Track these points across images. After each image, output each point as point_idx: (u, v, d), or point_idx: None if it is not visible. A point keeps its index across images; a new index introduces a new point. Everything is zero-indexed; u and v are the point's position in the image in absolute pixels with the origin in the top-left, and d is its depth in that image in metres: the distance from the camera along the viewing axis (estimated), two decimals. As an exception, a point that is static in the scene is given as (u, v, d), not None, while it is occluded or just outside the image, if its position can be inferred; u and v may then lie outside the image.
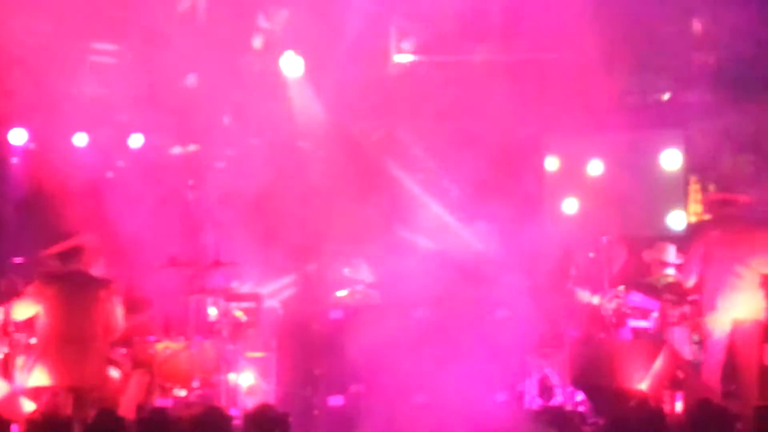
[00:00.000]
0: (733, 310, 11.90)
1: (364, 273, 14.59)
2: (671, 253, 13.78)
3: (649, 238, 14.80)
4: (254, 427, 8.32)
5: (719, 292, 11.95)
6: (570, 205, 16.54)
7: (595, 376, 11.99)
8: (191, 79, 15.64)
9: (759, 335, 12.02)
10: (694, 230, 12.60)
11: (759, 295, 11.98)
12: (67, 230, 11.19)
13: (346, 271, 14.52)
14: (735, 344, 11.95)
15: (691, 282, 12.33)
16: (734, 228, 12.14)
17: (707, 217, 14.94)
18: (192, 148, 15.93)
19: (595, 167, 16.45)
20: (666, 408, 11.36)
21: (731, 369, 12.06)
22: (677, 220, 16.12)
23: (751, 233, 12.14)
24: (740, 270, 11.94)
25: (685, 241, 13.09)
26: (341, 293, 14.50)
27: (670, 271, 13.66)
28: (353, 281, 14.60)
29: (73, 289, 10.81)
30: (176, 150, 15.86)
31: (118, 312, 10.93)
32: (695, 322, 12.50)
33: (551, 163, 16.94)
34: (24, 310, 10.75)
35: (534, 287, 14.34)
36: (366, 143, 17.16)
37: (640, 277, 14.09)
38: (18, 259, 12.31)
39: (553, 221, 16.42)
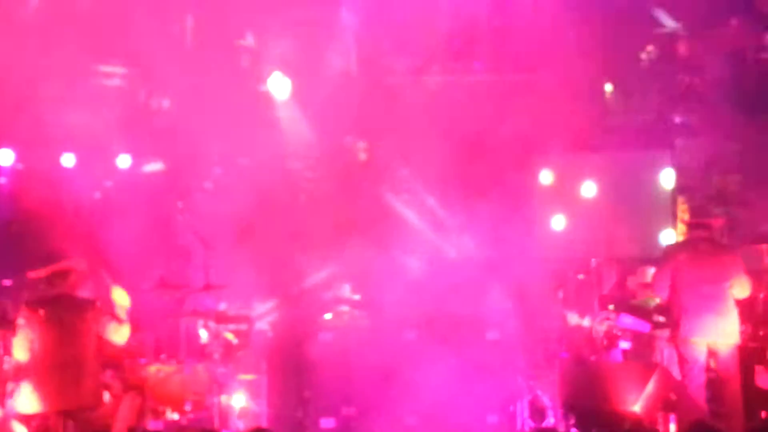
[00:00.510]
0: (708, 333, 11.88)
1: (348, 295, 14.53)
2: (650, 275, 13.76)
3: (639, 259, 14.78)
4: (251, 449, 8.28)
5: (692, 316, 11.92)
6: (559, 224, 16.47)
7: (587, 397, 11.99)
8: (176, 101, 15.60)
9: (737, 358, 12.02)
10: (663, 253, 12.53)
11: (732, 318, 11.97)
12: (55, 252, 11.05)
13: (330, 294, 14.46)
14: (715, 368, 11.94)
15: (662, 300, 12.35)
16: (702, 251, 12.12)
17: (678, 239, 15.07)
18: (157, 166, 15.85)
19: (586, 188, 16.41)
20: (660, 430, 11.37)
21: (715, 391, 12.06)
22: (667, 240, 16.05)
23: (719, 256, 12.14)
24: (711, 293, 11.93)
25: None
26: (327, 316, 14.43)
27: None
28: (338, 303, 14.52)
29: (61, 312, 10.70)
30: (149, 167, 15.76)
31: (111, 328, 10.82)
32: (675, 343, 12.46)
33: (544, 178, 16.91)
34: (22, 343, 10.63)
35: (524, 309, 14.32)
36: (354, 163, 17.16)
37: (627, 300, 14.12)
38: (6, 281, 12.20)
39: (543, 241, 16.37)
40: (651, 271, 13.76)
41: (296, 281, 15.44)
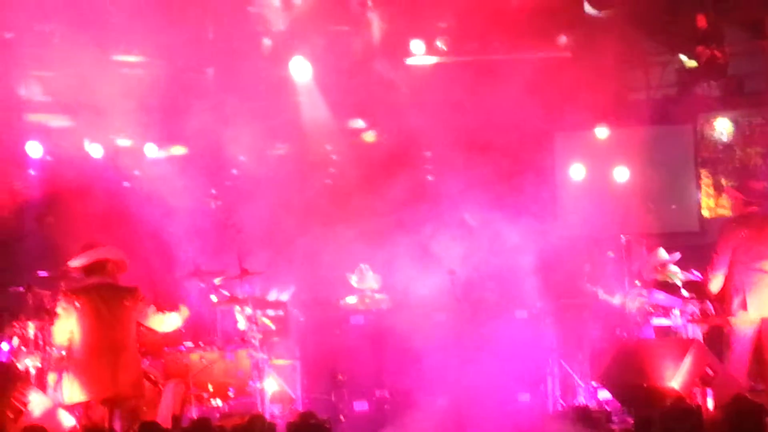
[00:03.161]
0: (762, 308, 11.92)
1: (370, 279, 14.56)
2: (663, 253, 13.74)
3: (667, 235, 14.79)
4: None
5: (747, 291, 11.96)
6: (586, 201, 16.49)
7: (623, 375, 11.98)
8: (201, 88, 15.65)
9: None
10: (721, 229, 12.48)
11: None
12: (91, 242, 11.11)
13: (353, 278, 14.49)
14: (762, 342, 11.97)
15: (717, 281, 12.31)
16: (759, 226, 12.14)
17: (730, 215, 15.01)
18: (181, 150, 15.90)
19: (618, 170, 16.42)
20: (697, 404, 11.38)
21: (756, 366, 12.10)
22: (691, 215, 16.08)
23: None
24: (765, 268, 11.96)
25: (698, 237, 13.01)
26: (351, 299, 14.47)
27: (674, 268, 13.62)
28: (360, 288, 14.57)
29: (101, 301, 10.75)
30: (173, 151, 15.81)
31: (153, 317, 10.89)
32: (719, 318, 12.46)
33: (574, 169, 16.95)
34: (63, 331, 10.70)
35: (552, 286, 14.37)
36: (377, 146, 17.21)
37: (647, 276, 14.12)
38: (42, 273, 12.24)
39: (569, 218, 16.41)
40: (659, 250, 13.74)
41: (322, 265, 15.49)
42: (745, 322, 11.95)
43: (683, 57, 17.54)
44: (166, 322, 10.99)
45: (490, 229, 14.64)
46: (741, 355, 11.95)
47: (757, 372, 12.09)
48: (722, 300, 12.28)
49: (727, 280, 12.15)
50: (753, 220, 12.20)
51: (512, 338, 13.22)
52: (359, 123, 17.29)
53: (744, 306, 11.93)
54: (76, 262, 11.04)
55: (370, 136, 17.28)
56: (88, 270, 10.98)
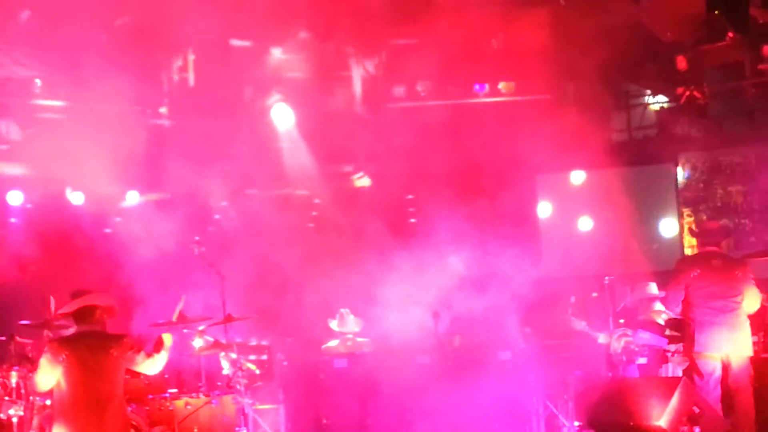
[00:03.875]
0: (722, 347, 11.93)
1: (351, 322, 14.55)
2: (653, 288, 13.79)
3: (650, 274, 14.83)
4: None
5: (705, 331, 11.97)
6: (569, 242, 16.57)
7: (609, 414, 11.90)
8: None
9: (750, 370, 12.04)
10: (676, 268, 12.55)
11: (745, 330, 12.02)
12: (79, 289, 11.02)
13: (334, 323, 14.50)
14: (728, 381, 11.97)
15: (675, 315, 12.38)
16: (714, 266, 12.17)
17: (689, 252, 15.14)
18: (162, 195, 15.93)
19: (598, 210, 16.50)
20: (686, 443, 11.38)
21: (728, 403, 12.09)
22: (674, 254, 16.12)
23: (731, 270, 12.11)
24: (724, 307, 11.99)
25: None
26: (332, 343, 14.45)
27: (659, 306, 13.66)
28: (342, 332, 14.56)
29: (87, 351, 10.53)
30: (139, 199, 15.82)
31: (142, 362, 10.78)
32: (685, 356, 12.47)
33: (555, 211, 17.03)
34: (47, 380, 10.53)
35: (535, 327, 14.39)
36: (357, 190, 17.28)
37: (631, 315, 14.15)
38: (25, 321, 12.18)
39: (552, 260, 16.47)
40: (651, 285, 13.81)
41: (304, 308, 15.48)
42: (707, 361, 11.93)
43: (650, 100, 17.79)
44: (156, 365, 10.86)
45: (473, 271, 14.65)
46: (711, 395, 11.90)
47: (728, 409, 12.04)
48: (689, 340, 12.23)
49: (688, 319, 12.16)
50: (707, 260, 12.22)
51: (496, 379, 13.19)
52: (342, 167, 17.31)
53: (702, 344, 11.93)
54: (65, 309, 10.92)
55: (364, 181, 17.30)
56: (77, 317, 10.82)
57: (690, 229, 15.22)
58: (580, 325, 13.84)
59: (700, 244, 12.73)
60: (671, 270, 12.75)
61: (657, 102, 18.14)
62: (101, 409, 10.37)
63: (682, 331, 12.28)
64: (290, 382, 13.93)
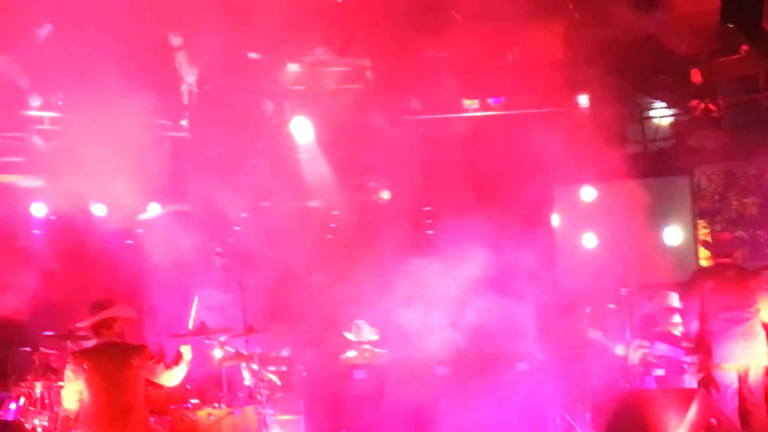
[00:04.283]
0: (738, 358, 12.02)
1: (367, 333, 14.66)
2: (675, 300, 13.90)
3: (666, 285, 14.90)
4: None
5: (722, 342, 12.06)
6: (586, 254, 16.64)
7: (627, 426, 11.97)
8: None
9: (765, 381, 12.12)
10: (690, 280, 12.64)
11: (761, 340, 12.10)
12: (100, 301, 11.12)
13: (350, 335, 14.61)
14: (744, 391, 12.05)
15: (692, 329, 12.44)
16: (729, 277, 12.26)
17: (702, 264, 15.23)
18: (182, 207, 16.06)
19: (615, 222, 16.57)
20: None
21: (746, 414, 12.16)
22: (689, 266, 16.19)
23: (746, 281, 12.22)
24: (739, 318, 12.07)
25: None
26: (350, 354, 14.55)
27: (677, 318, 13.76)
28: (359, 342, 14.66)
29: (108, 361, 10.64)
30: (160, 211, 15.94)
31: (161, 373, 10.85)
32: (702, 368, 12.55)
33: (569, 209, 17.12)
34: (72, 394, 10.60)
35: (553, 338, 14.45)
36: (375, 201, 17.37)
37: (649, 328, 14.23)
38: (48, 333, 12.30)
39: (570, 271, 16.55)
40: (673, 295, 13.92)
41: (323, 320, 15.59)
42: (723, 373, 12.01)
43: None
44: (175, 376, 10.96)
45: (490, 282, 14.74)
46: (728, 406, 11.98)
47: (745, 419, 12.11)
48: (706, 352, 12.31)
49: (704, 331, 12.25)
50: (721, 272, 12.32)
51: (514, 391, 13.27)
52: (360, 179, 17.43)
53: (719, 356, 12.01)
54: (85, 322, 11.01)
55: (384, 194, 17.40)
56: (97, 329, 10.90)
57: (704, 242, 15.29)
58: (596, 335, 13.94)
59: (714, 256, 12.86)
60: (686, 282, 12.87)
61: (672, 114, 18.17)
62: (124, 419, 10.47)
63: (699, 343, 12.37)
64: (310, 392, 14.02)
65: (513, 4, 15.89)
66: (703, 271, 13.81)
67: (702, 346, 12.30)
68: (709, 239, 15.33)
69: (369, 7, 15.92)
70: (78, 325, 11.15)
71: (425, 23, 16.76)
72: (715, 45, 17.78)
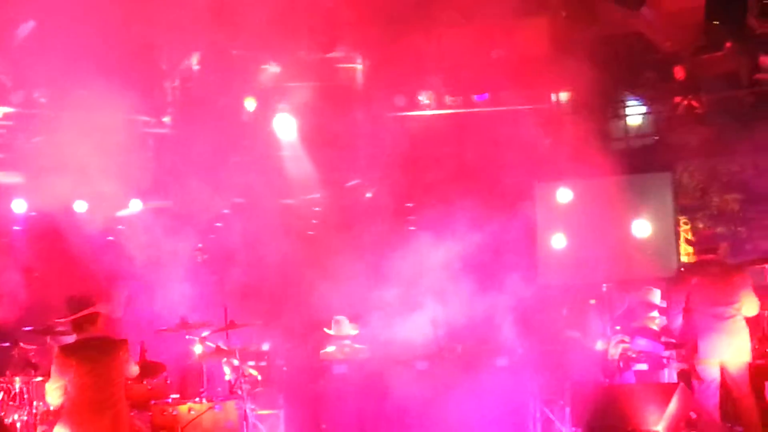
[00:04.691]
0: (721, 353, 12.07)
1: (347, 328, 14.67)
2: (656, 296, 13.94)
3: (646, 281, 14.94)
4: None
5: (705, 337, 12.10)
6: (566, 250, 16.67)
7: (607, 420, 12.03)
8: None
9: (748, 376, 12.17)
10: (675, 277, 12.69)
11: (743, 336, 12.15)
12: (82, 297, 11.10)
13: (331, 329, 14.62)
14: (728, 387, 12.09)
15: (676, 325, 12.49)
16: (713, 273, 12.31)
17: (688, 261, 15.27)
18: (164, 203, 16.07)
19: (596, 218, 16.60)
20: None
21: (729, 408, 12.20)
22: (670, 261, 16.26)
23: (729, 277, 12.26)
24: (722, 313, 12.12)
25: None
26: (330, 349, 14.58)
27: (655, 313, 13.81)
28: (339, 337, 14.68)
29: (93, 355, 10.64)
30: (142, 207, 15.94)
31: (129, 367, 10.84)
32: (686, 363, 12.59)
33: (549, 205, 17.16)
34: (56, 391, 10.56)
35: (532, 334, 14.47)
36: (356, 197, 17.40)
37: (627, 322, 14.26)
38: (27, 328, 12.30)
39: (549, 267, 16.57)
40: (655, 291, 13.95)
41: (304, 315, 15.60)
42: (705, 368, 12.05)
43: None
44: (135, 372, 10.97)
45: (471, 278, 14.76)
46: (711, 401, 12.02)
47: (733, 414, 12.15)
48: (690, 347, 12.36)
49: (687, 328, 12.29)
50: (705, 268, 12.37)
51: (494, 385, 13.29)
52: (342, 176, 17.46)
53: (702, 351, 12.05)
54: (70, 318, 10.96)
55: (366, 190, 17.43)
56: (79, 324, 10.84)
57: (686, 239, 15.35)
58: (574, 335, 13.96)
59: (697, 252, 12.91)
60: (670, 278, 12.91)
61: (654, 111, 18.22)
62: (107, 413, 10.44)
63: (683, 338, 12.41)
64: (290, 387, 14.02)
65: (498, 1, 15.90)
66: (687, 267, 13.85)
67: (686, 341, 12.34)
68: (689, 236, 15.40)
69: (354, 4, 15.91)
70: (61, 320, 11.12)
71: (410, 20, 16.78)
72: (700, 42, 17.85)
